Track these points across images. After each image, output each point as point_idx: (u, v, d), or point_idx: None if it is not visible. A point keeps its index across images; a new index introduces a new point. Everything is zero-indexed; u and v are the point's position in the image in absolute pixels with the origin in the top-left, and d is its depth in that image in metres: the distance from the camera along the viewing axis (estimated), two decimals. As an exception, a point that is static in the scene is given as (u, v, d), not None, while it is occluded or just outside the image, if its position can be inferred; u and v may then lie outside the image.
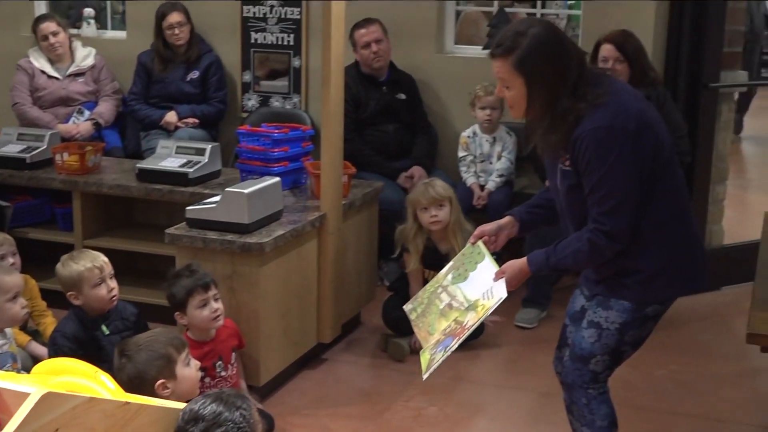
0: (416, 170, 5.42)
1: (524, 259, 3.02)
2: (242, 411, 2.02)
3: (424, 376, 2.93)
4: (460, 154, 5.42)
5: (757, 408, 4.13)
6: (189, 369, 2.93)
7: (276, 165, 4.57)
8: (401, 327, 4.39)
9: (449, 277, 3.18)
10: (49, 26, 5.89)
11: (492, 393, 4.29)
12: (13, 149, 5.12)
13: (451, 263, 3.25)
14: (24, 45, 6.24)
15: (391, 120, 5.57)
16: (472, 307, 3.01)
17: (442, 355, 2.92)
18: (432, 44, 5.81)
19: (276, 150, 4.59)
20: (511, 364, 4.59)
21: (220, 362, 3.62)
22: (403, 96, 5.60)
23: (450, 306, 3.07)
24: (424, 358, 2.99)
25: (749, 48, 8.28)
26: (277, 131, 4.68)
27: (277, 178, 4.24)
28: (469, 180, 5.36)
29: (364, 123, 5.50)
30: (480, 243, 3.17)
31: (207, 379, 3.59)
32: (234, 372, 3.70)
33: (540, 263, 2.99)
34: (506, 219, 3.23)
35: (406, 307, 3.25)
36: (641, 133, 2.82)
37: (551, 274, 3.00)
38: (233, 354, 3.71)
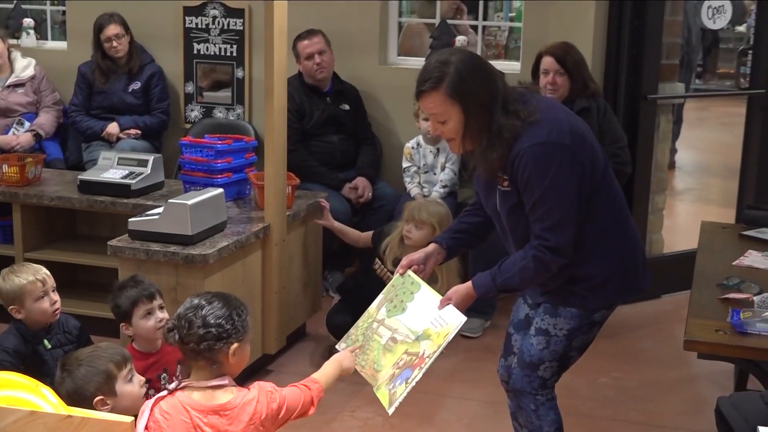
0: (360, 181, 5.43)
1: (469, 284, 3.03)
2: (239, 311, 2.62)
3: (390, 411, 2.89)
4: (404, 164, 5.44)
5: (698, 413, 4.20)
6: (131, 385, 2.88)
7: (219, 176, 4.55)
8: (344, 333, 4.40)
9: (383, 310, 3.11)
10: (-13, 37, 5.82)
11: (437, 402, 4.30)
12: (-50, 161, 5.04)
13: (380, 296, 3.18)
14: (-38, 55, 6.14)
15: (336, 131, 5.58)
16: (423, 336, 2.97)
17: (405, 388, 2.88)
18: (375, 55, 5.84)
19: (219, 161, 4.57)
20: (456, 374, 4.61)
21: (164, 374, 3.59)
22: (347, 107, 5.62)
23: (394, 340, 3.01)
24: (381, 394, 2.94)
25: (686, 60, 8.44)
26: (220, 142, 4.66)
27: (221, 189, 4.22)
28: (414, 191, 5.38)
29: (308, 134, 5.51)
30: (410, 272, 3.16)
31: (151, 391, 3.55)
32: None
33: (487, 285, 3.01)
34: (432, 246, 3.24)
35: (339, 347, 3.18)
36: (577, 146, 2.87)
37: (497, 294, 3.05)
38: (179, 367, 3.68)
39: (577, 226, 2.89)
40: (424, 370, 2.90)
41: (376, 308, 3.14)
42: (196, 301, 2.64)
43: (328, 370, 2.90)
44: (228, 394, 2.62)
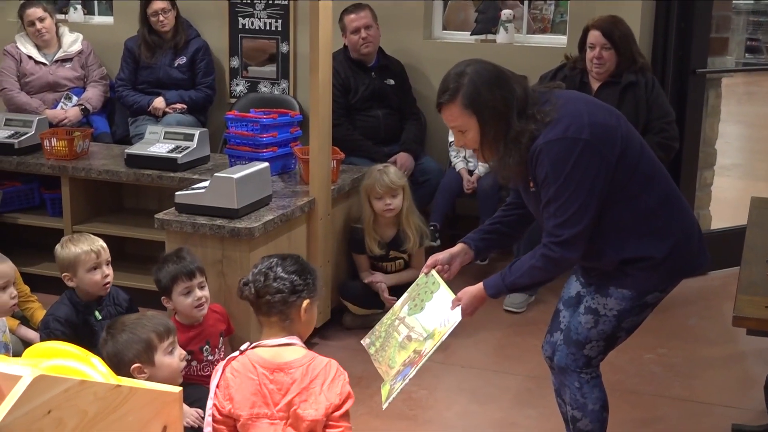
0: (400, 157, 5.42)
1: (480, 285, 3.03)
2: (311, 271, 2.78)
3: (384, 406, 2.92)
4: (450, 139, 5.42)
5: (745, 390, 4.16)
6: (170, 357, 2.93)
7: (265, 150, 4.57)
8: (348, 295, 4.69)
9: (405, 308, 3.15)
10: (36, 12, 5.86)
11: (481, 377, 4.31)
12: (0, 135, 5.10)
13: (405, 294, 3.22)
14: (10, 30, 6.21)
15: (381, 105, 5.57)
16: (429, 336, 3.01)
17: (401, 384, 2.92)
18: (420, 30, 5.81)
19: (265, 135, 4.58)
20: (499, 349, 4.61)
21: (207, 346, 3.63)
22: (392, 81, 5.61)
23: (409, 338, 3.05)
24: (385, 389, 2.98)
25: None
26: (265, 116, 4.67)
27: (266, 164, 4.24)
28: (458, 165, 5.36)
29: (353, 108, 5.50)
30: (434, 272, 3.17)
31: (194, 363, 3.60)
32: (222, 356, 3.70)
33: (497, 286, 3.00)
34: (459, 247, 3.23)
35: (364, 342, 3.23)
36: (598, 139, 2.83)
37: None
38: (221, 338, 3.72)
39: (592, 220, 2.85)
40: (418, 367, 2.92)
41: (400, 306, 3.18)
42: (270, 259, 2.78)
43: None
44: (296, 353, 2.70)
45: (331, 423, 2.69)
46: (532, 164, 2.86)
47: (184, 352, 3.03)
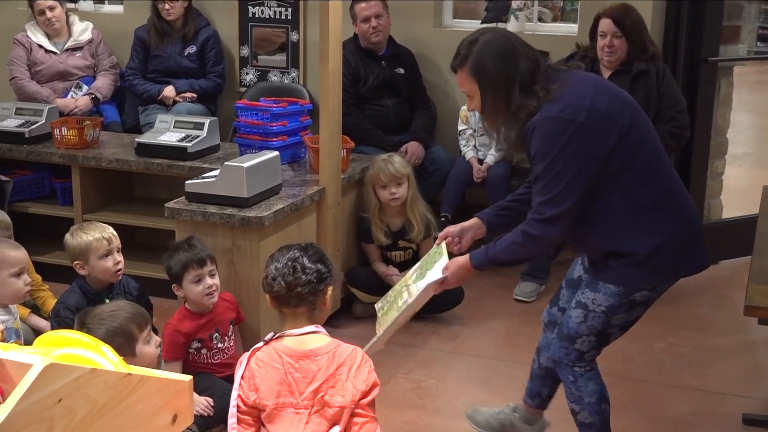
0: (410, 146, 5.40)
1: (467, 256, 3.09)
2: (327, 257, 2.86)
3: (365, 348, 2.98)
4: (460, 127, 5.42)
5: (756, 380, 4.16)
6: (149, 347, 2.96)
7: (275, 139, 4.57)
8: (356, 282, 4.73)
9: (414, 276, 3.24)
10: (46, 1, 5.86)
11: (490, 366, 4.31)
12: (11, 123, 5.12)
13: (418, 263, 3.33)
14: (21, 19, 6.21)
15: (391, 94, 5.56)
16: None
17: (380, 335, 3.07)
18: (430, 18, 5.79)
19: (275, 124, 4.58)
20: (509, 338, 4.61)
21: (216, 334, 3.63)
22: (402, 70, 5.59)
23: (406, 303, 3.14)
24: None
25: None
26: (275, 105, 4.67)
27: (276, 153, 4.23)
28: (468, 154, 5.35)
29: (363, 97, 5.49)
30: (443, 244, 3.23)
31: (204, 351, 3.61)
32: (232, 344, 3.71)
33: (480, 258, 3.06)
34: (472, 221, 3.28)
35: (377, 306, 3.33)
36: (594, 123, 2.83)
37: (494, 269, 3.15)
38: (231, 326, 3.72)
39: (578, 203, 2.86)
40: (396, 316, 3.07)
41: (411, 273, 3.27)
42: (291, 251, 2.82)
43: None
44: (321, 341, 2.76)
45: (358, 411, 2.71)
46: (527, 140, 2.90)
47: (158, 339, 3.05)
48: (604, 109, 2.87)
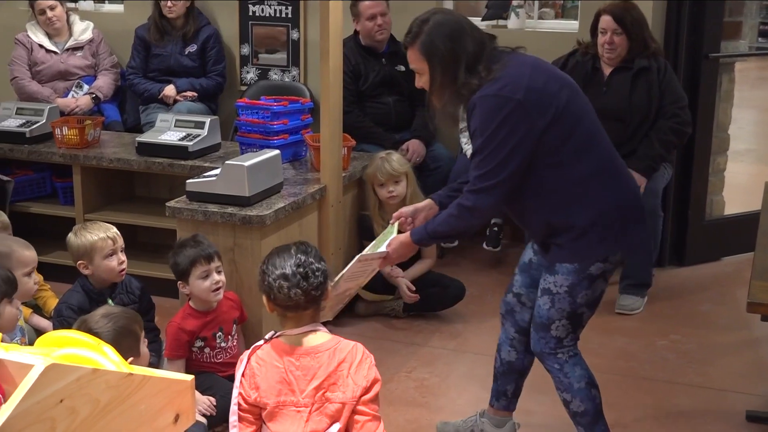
0: (411, 144, 5.39)
1: (408, 233, 3.21)
2: (323, 259, 2.81)
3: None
4: (461, 125, 5.40)
5: (759, 377, 4.15)
6: (144, 347, 3.00)
7: (276, 138, 4.56)
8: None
9: (366, 251, 3.32)
10: (46, 0, 5.86)
11: (493, 364, 4.29)
12: (12, 123, 5.12)
13: (373, 242, 3.42)
14: (21, 19, 6.20)
15: (391, 92, 5.55)
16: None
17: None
18: (431, 16, 5.77)
19: (275, 123, 4.58)
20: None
21: (220, 333, 3.63)
22: (402, 68, 5.58)
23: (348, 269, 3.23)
24: None
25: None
26: (276, 104, 4.67)
27: (277, 151, 4.23)
28: (469, 151, 5.33)
29: (363, 95, 5.49)
30: (396, 224, 3.34)
31: (207, 350, 3.60)
32: (235, 343, 3.71)
33: (420, 233, 3.19)
34: (425, 202, 3.41)
35: (330, 282, 3.33)
36: (532, 102, 2.93)
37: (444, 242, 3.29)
38: (234, 325, 3.72)
39: (512, 176, 2.96)
40: (343, 272, 3.13)
41: (365, 251, 3.36)
42: (296, 258, 2.76)
43: None
44: (321, 338, 2.76)
45: (360, 408, 2.71)
46: (469, 116, 3.01)
47: (146, 340, 3.07)
48: (541, 88, 2.97)
